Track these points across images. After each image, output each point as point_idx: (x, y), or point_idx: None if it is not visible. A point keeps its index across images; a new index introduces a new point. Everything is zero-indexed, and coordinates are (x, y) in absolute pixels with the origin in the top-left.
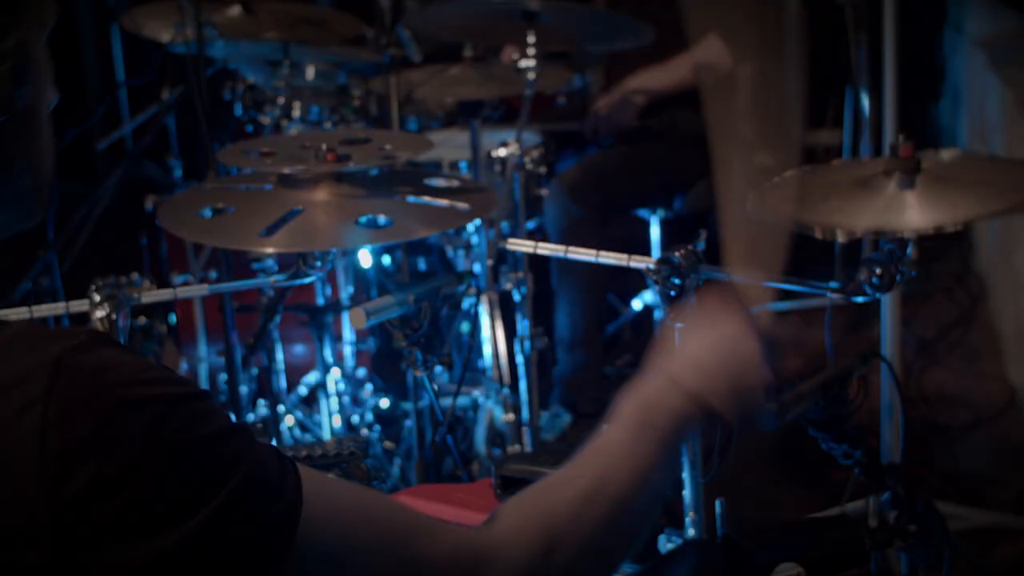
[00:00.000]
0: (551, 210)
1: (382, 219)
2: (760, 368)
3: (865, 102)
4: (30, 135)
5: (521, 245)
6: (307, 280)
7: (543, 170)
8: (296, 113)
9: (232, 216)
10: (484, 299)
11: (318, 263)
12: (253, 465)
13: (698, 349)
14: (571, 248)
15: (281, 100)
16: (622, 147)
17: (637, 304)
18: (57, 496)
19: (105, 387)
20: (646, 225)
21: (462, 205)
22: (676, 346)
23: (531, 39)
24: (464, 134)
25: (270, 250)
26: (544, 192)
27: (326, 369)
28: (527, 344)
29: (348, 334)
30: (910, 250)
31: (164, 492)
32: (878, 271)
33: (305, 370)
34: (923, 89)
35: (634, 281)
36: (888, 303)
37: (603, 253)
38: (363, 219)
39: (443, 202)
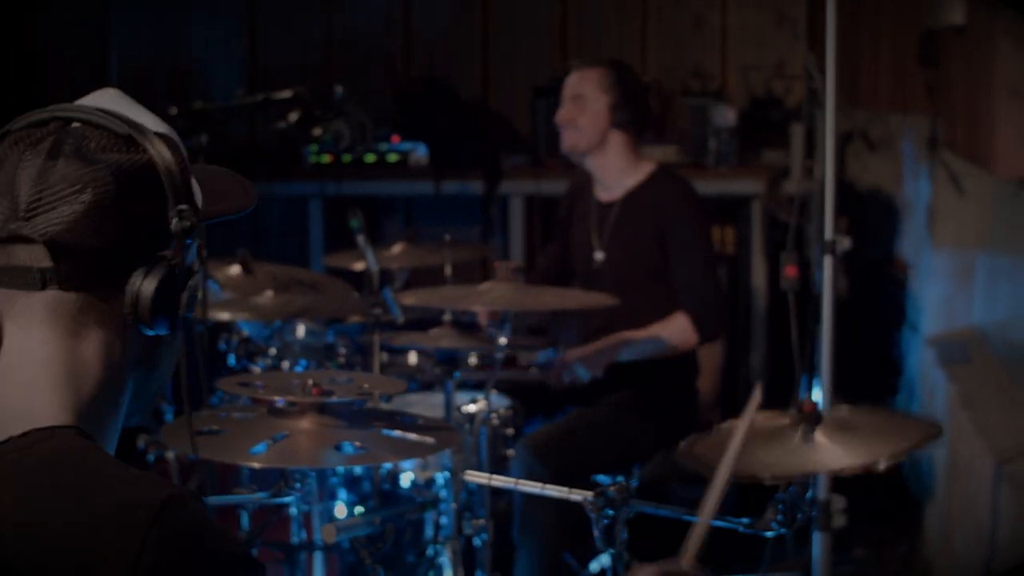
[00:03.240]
0: (516, 468)
1: (356, 446)
2: None
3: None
4: (171, 350)
5: (477, 477)
6: (286, 499)
7: (511, 432)
8: (285, 366)
9: (221, 436)
10: (449, 547)
11: (297, 484)
12: None
13: None
14: (520, 481)
15: (273, 352)
16: (586, 416)
17: (595, 566)
18: None
19: (189, 539)
20: None
21: (428, 439)
22: None
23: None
24: (439, 395)
25: (256, 465)
26: (511, 453)
27: None
28: None
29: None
30: (810, 493)
31: None
32: (783, 509)
33: None
34: (881, 384)
35: (593, 545)
36: (819, 542)
37: (548, 486)
38: (340, 445)
39: (411, 435)
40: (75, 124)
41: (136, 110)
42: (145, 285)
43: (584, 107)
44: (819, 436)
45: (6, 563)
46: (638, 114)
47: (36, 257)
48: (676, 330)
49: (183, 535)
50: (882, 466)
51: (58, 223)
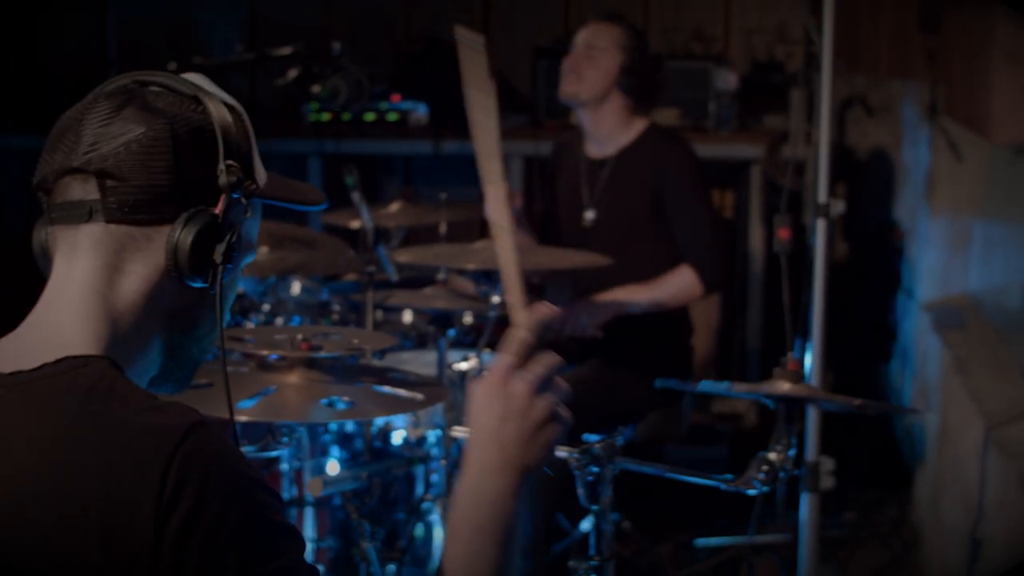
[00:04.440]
0: None
1: (344, 401)
2: (551, 416)
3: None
4: (213, 316)
5: (464, 432)
6: (273, 454)
7: None
8: (279, 322)
9: (210, 390)
10: (439, 505)
11: (284, 439)
12: (300, 558)
13: (492, 423)
14: None
15: (267, 308)
16: (580, 375)
17: (586, 526)
18: (161, 527)
19: (212, 462)
20: None
21: (417, 395)
22: (472, 430)
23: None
24: (433, 353)
25: (244, 419)
26: None
27: None
28: None
29: (310, 531)
30: (792, 451)
31: (238, 544)
32: (765, 467)
33: None
34: (876, 350)
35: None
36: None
37: None
38: (326, 400)
39: (401, 391)
40: (152, 87)
41: (220, 91)
42: (184, 232)
43: (595, 59)
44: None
45: (34, 484)
46: (644, 83)
47: (86, 190)
48: (681, 283)
49: (208, 456)
50: (857, 403)
51: (108, 158)
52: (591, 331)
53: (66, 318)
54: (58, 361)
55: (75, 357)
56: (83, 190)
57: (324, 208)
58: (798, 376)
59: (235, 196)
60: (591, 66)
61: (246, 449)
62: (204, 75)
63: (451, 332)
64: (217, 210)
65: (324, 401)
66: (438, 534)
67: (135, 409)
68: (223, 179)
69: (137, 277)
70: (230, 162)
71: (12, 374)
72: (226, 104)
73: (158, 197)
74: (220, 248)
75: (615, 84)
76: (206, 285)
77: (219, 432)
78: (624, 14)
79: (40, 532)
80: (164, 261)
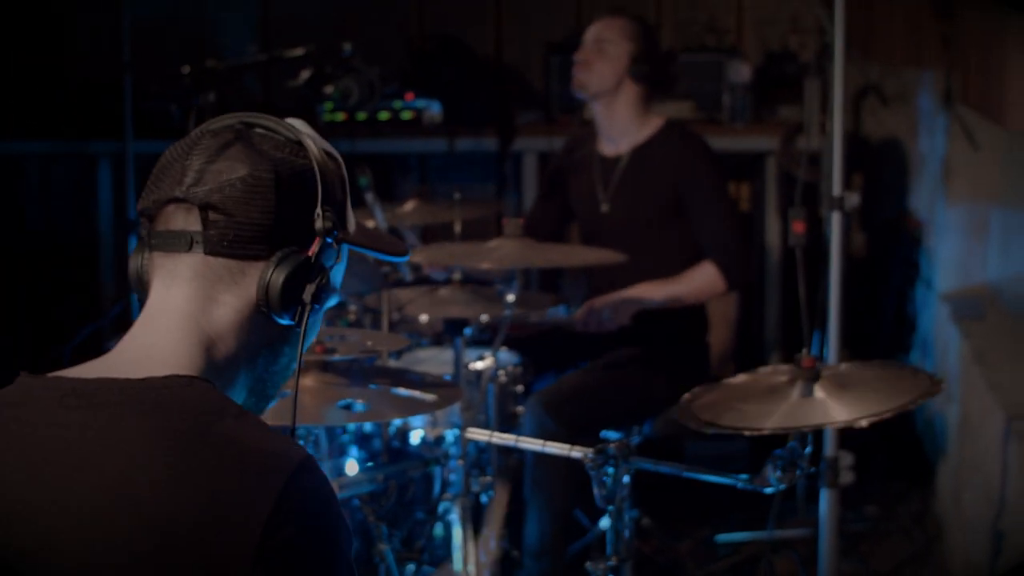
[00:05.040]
0: (528, 423)
1: (358, 403)
2: None
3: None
4: (293, 352)
5: (478, 435)
6: None
7: (520, 389)
8: None
9: None
10: (457, 504)
11: (300, 442)
12: None
13: None
14: (521, 438)
15: None
16: (597, 371)
17: (605, 523)
18: (263, 548)
19: (318, 498)
20: None
21: (429, 396)
22: None
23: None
24: (450, 352)
25: None
26: (520, 410)
27: None
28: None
29: None
30: (809, 448)
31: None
32: (782, 466)
33: None
34: (896, 340)
35: None
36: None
37: (548, 444)
38: (342, 402)
39: (415, 392)
40: (258, 129)
41: (318, 137)
42: (276, 271)
43: (604, 51)
44: (818, 391)
45: (142, 487)
46: (656, 71)
47: (189, 221)
48: (703, 279)
49: (316, 492)
50: (864, 423)
51: (214, 192)
52: (613, 326)
53: (165, 341)
54: (165, 377)
55: (180, 376)
56: (186, 221)
57: (406, 259)
58: (814, 374)
59: (328, 240)
60: (601, 58)
61: None
62: (303, 120)
63: (467, 331)
64: (310, 252)
65: (340, 403)
66: (456, 533)
67: (250, 430)
68: (319, 223)
69: (230, 308)
70: (327, 208)
71: (121, 380)
72: (326, 152)
73: (257, 234)
74: (310, 288)
75: (626, 73)
76: (293, 323)
77: (323, 472)
78: (631, 8)
79: (140, 535)
80: (255, 296)
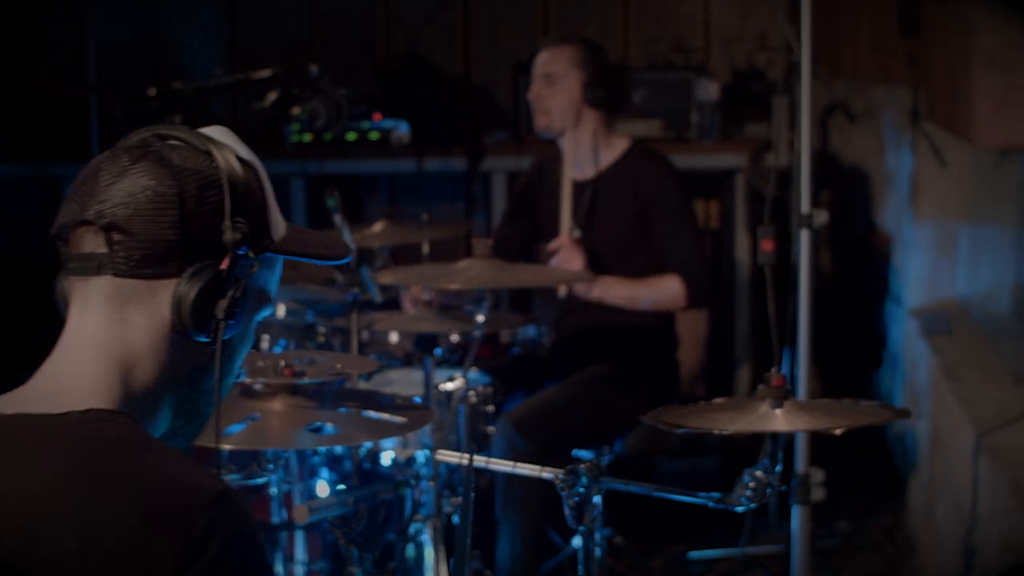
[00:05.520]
0: (498, 442)
1: (328, 426)
2: None
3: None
4: (223, 368)
5: (449, 456)
6: (260, 481)
7: (491, 409)
8: (265, 345)
9: None
10: (429, 525)
11: (270, 465)
12: None
13: None
14: (491, 460)
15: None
16: (568, 389)
17: (578, 542)
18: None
19: (233, 531)
20: None
21: (398, 419)
22: None
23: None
24: (420, 372)
25: (229, 447)
26: (491, 430)
27: None
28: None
29: (300, 554)
30: (779, 467)
31: None
32: (752, 484)
33: None
34: (866, 357)
35: None
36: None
37: (519, 465)
38: (311, 426)
39: (384, 415)
40: (171, 140)
41: (239, 145)
42: (187, 287)
43: (556, 85)
44: (785, 409)
45: (56, 521)
46: (611, 92)
47: (96, 243)
48: (669, 287)
49: (231, 525)
50: (838, 431)
51: (118, 212)
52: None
53: (82, 371)
54: (85, 411)
55: (101, 410)
56: (94, 243)
57: (347, 261)
58: (782, 392)
59: (240, 252)
60: (553, 93)
61: (232, 477)
62: (226, 128)
63: (437, 351)
64: (222, 266)
65: (309, 427)
66: (429, 554)
67: (166, 466)
68: (228, 235)
69: (143, 330)
70: (237, 219)
71: (40, 415)
72: (240, 159)
73: (165, 252)
74: (222, 303)
75: (583, 103)
76: (209, 340)
77: (243, 504)
78: (599, 28)
79: (54, 566)
80: (170, 315)
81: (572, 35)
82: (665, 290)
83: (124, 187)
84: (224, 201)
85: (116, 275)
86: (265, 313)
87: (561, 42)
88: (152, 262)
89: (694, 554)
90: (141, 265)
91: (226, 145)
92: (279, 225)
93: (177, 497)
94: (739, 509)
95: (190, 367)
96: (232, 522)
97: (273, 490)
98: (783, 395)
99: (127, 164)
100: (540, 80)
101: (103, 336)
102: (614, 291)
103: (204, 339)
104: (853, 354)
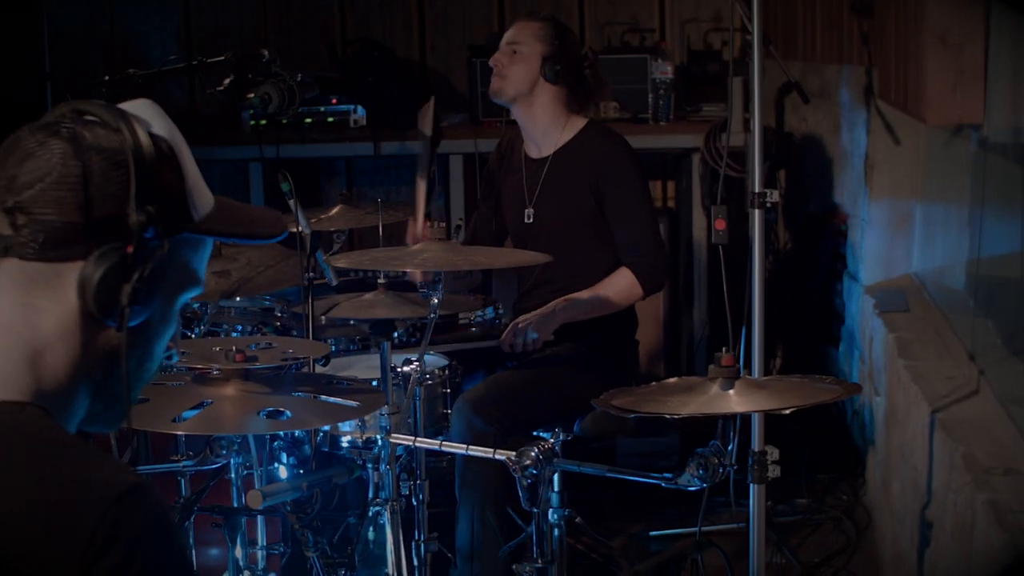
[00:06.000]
0: (456, 423)
1: (283, 412)
2: None
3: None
4: (139, 353)
5: (402, 439)
6: (215, 466)
7: (448, 390)
8: (222, 332)
9: (148, 405)
10: (388, 508)
11: (224, 451)
12: None
13: None
14: (445, 443)
15: (207, 316)
16: (525, 369)
17: None
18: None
19: (144, 524)
20: None
21: (352, 402)
22: None
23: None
24: (378, 356)
25: (180, 433)
26: (449, 412)
27: (238, 572)
28: (423, 547)
29: (261, 539)
30: (732, 447)
31: None
32: (704, 464)
33: (217, 573)
34: (823, 333)
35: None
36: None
37: (472, 448)
38: (264, 411)
39: (337, 399)
40: (87, 116)
41: (160, 120)
42: (92, 270)
43: (517, 54)
44: (738, 387)
45: None
46: (570, 71)
47: (2, 226)
48: (621, 285)
49: (142, 518)
50: (787, 411)
51: (23, 193)
52: (539, 343)
53: None
54: None
55: (11, 403)
56: (0, 226)
57: (282, 239)
58: (733, 372)
59: (148, 234)
60: (513, 61)
61: (185, 464)
62: (149, 101)
63: (395, 334)
64: (130, 251)
65: (263, 412)
66: (389, 537)
67: (75, 459)
68: (132, 217)
69: (51, 315)
70: (144, 199)
71: None
72: (152, 135)
73: (70, 235)
74: (127, 288)
75: (540, 75)
76: (115, 325)
77: (157, 498)
78: (553, 10)
79: None
80: (77, 300)
81: (546, 14)
82: (619, 288)
83: (30, 167)
84: (130, 181)
85: (21, 258)
86: (192, 293)
87: (531, 18)
88: (57, 244)
89: (655, 533)
90: (46, 247)
91: (141, 120)
92: (203, 202)
93: (83, 493)
94: (691, 488)
95: (103, 352)
96: (142, 518)
97: (232, 475)
98: (734, 375)
99: (38, 143)
100: (504, 49)
101: (9, 322)
102: (569, 314)
103: (112, 324)
104: (810, 331)
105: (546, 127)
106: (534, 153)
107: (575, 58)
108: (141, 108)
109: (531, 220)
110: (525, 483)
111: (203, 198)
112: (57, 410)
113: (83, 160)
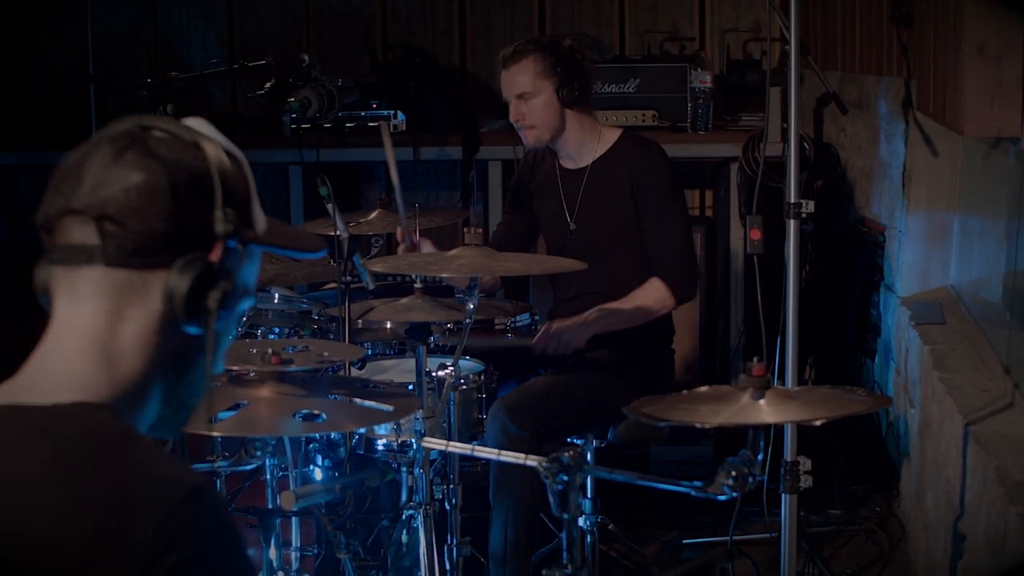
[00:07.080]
0: (491, 429)
1: (318, 415)
2: None
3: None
4: (204, 359)
5: (434, 444)
6: (250, 467)
7: (483, 396)
8: (260, 334)
9: None
10: (421, 511)
11: (258, 452)
12: None
13: None
14: (476, 447)
15: (245, 319)
16: (561, 376)
17: None
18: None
19: (208, 525)
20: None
21: (386, 406)
22: None
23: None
24: (413, 360)
25: (216, 434)
26: (484, 417)
27: (272, 573)
28: (455, 551)
29: (295, 540)
30: (761, 456)
31: None
32: (734, 473)
33: None
34: (859, 345)
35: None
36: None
37: (503, 453)
38: (299, 414)
39: (371, 403)
40: (155, 132)
41: (220, 137)
42: (179, 278)
43: (532, 100)
44: (768, 399)
45: (33, 510)
46: (584, 85)
47: (86, 234)
48: (653, 296)
49: (206, 519)
50: (818, 423)
51: (108, 203)
52: (571, 349)
53: (71, 363)
54: (71, 404)
55: (87, 404)
56: (83, 233)
57: (322, 255)
58: (764, 382)
59: (230, 243)
60: (532, 109)
61: (221, 464)
62: (204, 119)
63: (433, 338)
64: (213, 257)
65: (299, 414)
66: (422, 540)
67: (144, 460)
68: (219, 226)
69: (136, 323)
70: (227, 209)
71: (28, 407)
72: (226, 151)
73: (156, 243)
74: (214, 294)
75: (563, 107)
76: (201, 331)
77: (221, 500)
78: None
79: (34, 555)
80: (161, 307)
81: (521, 43)
82: (651, 299)
83: (114, 177)
84: (215, 193)
85: (107, 265)
86: (247, 305)
87: (518, 57)
88: (144, 252)
89: (688, 541)
90: (133, 255)
91: (212, 137)
92: (260, 217)
93: (152, 488)
94: (721, 498)
95: (177, 359)
96: (206, 518)
97: (267, 476)
98: (764, 385)
99: (114, 154)
100: (514, 102)
101: (94, 328)
102: (603, 323)
103: (195, 330)
104: (846, 342)
105: (580, 145)
106: (570, 164)
107: (576, 66)
108: (199, 125)
109: (573, 231)
110: (556, 489)
111: (259, 213)
112: (130, 413)
113: (169, 172)
